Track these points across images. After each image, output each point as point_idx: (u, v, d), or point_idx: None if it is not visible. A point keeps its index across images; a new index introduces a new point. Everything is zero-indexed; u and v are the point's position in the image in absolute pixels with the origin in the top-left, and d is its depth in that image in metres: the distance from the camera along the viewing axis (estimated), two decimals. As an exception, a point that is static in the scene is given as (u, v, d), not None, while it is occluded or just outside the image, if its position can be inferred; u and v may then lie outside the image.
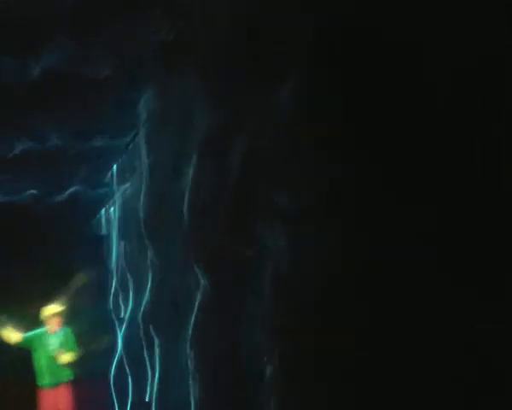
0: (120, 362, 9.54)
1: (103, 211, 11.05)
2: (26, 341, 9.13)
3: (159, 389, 7.59)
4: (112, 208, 10.43)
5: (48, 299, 9.33)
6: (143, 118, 7.58)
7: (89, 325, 9.58)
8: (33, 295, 9.74)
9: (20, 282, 10.38)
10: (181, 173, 6.58)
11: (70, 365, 9.05)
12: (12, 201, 10.41)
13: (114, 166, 9.93)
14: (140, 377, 8.53)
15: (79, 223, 10.73)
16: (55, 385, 9.00)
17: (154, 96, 7.35)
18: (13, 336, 9.05)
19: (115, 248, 10.17)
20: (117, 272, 10.14)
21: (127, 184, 9.24)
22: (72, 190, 10.44)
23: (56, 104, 7.43)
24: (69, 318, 9.30)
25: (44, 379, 9.03)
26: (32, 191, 10.48)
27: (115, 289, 10.37)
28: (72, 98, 7.35)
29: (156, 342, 7.60)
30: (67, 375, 9.11)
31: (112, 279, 10.47)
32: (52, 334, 9.14)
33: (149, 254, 7.65)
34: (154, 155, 7.47)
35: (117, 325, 9.97)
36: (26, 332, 9.14)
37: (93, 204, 10.70)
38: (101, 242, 11.09)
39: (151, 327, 7.66)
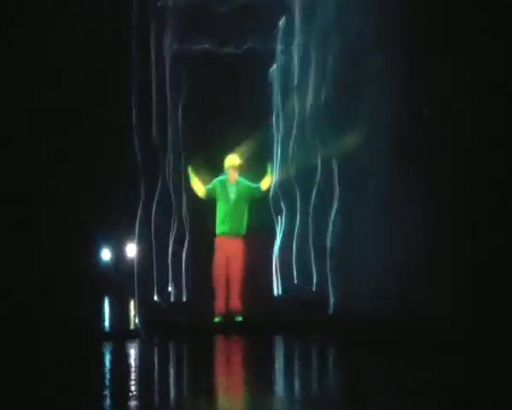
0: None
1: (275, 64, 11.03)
2: (210, 192, 10.01)
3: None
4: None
5: (231, 149, 10.13)
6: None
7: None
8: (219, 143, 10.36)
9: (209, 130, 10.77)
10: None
11: (245, 219, 9.91)
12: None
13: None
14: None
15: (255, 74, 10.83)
16: (232, 235, 9.88)
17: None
18: (199, 189, 9.94)
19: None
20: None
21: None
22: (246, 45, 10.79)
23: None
24: (245, 170, 10.09)
25: (223, 228, 9.90)
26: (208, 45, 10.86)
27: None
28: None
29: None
30: (242, 227, 9.93)
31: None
32: (232, 183, 9.97)
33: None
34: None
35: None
36: (209, 182, 10.02)
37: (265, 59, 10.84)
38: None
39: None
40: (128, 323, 10.06)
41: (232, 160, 10.01)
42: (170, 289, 10.48)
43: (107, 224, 12.35)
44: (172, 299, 10.31)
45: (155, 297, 10.35)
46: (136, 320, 9.55)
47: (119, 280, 12.37)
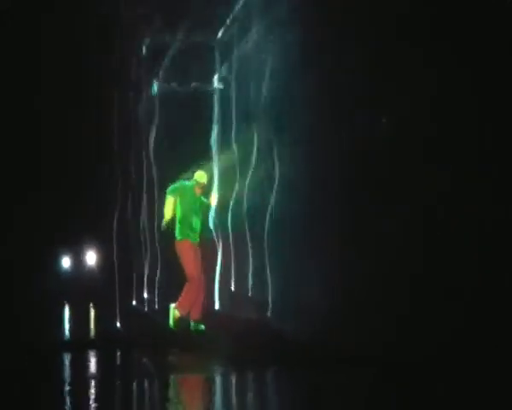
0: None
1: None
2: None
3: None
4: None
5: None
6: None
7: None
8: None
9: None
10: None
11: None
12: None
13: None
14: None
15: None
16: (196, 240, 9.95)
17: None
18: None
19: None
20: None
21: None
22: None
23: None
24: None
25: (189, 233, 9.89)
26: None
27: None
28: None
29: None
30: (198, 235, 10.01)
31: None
32: (197, 197, 9.98)
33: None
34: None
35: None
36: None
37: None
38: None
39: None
40: (89, 331, 10.05)
41: (202, 176, 9.98)
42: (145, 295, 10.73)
43: (66, 232, 12.31)
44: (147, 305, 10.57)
45: (134, 302, 10.60)
46: (118, 325, 9.66)
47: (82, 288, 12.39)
